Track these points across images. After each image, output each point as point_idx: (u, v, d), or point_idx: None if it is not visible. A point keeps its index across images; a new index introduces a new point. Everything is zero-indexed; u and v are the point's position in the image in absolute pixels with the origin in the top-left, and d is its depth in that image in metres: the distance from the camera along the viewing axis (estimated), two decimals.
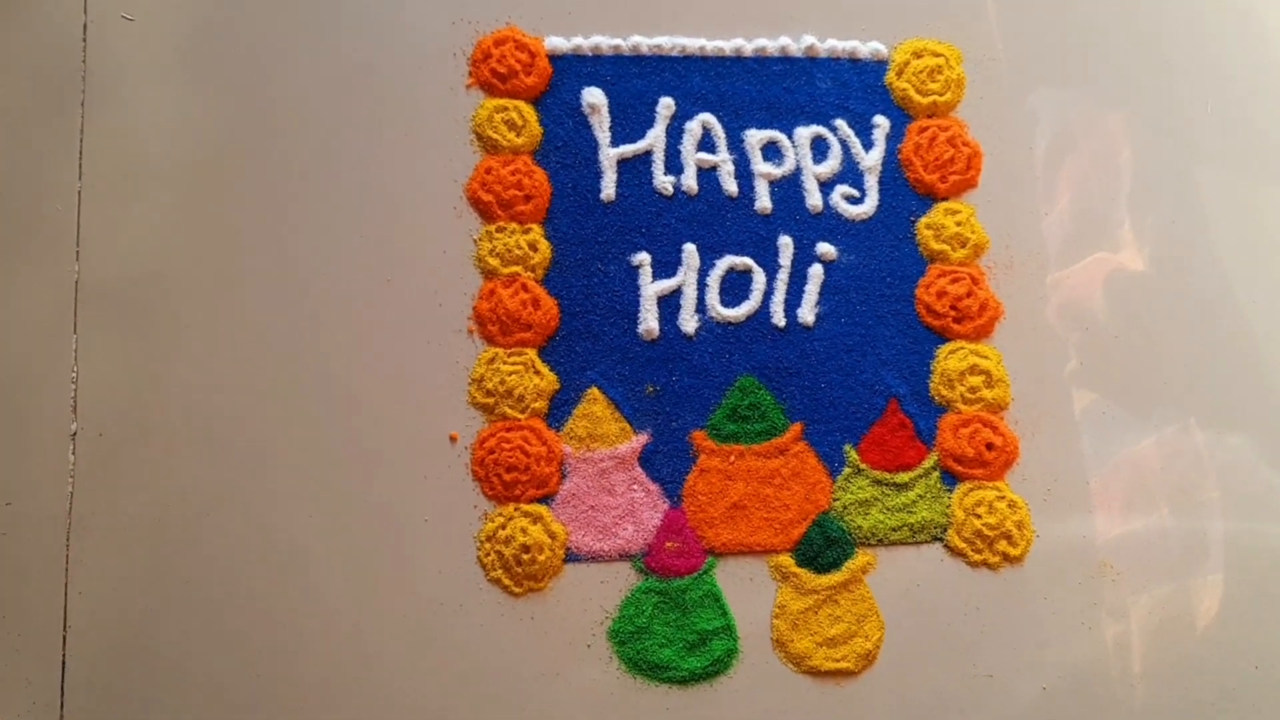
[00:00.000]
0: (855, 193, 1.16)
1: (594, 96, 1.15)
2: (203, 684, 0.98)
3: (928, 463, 1.10)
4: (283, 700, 0.99)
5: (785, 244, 1.14)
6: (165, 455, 1.03)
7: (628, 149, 1.15)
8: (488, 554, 1.03)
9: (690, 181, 1.15)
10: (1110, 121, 1.22)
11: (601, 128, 1.15)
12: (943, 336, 1.13)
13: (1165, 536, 1.10)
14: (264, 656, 0.99)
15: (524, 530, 1.03)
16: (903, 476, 1.09)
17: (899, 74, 1.20)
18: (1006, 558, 1.07)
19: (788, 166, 1.16)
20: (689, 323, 1.11)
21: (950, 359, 1.12)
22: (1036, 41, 1.24)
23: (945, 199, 1.17)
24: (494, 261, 1.10)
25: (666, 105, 1.16)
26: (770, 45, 1.19)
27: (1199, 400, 1.14)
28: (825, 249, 1.14)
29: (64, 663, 0.98)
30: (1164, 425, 1.13)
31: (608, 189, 1.14)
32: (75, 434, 1.03)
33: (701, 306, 1.12)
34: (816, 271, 1.13)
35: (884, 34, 1.21)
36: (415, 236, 1.10)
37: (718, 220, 1.14)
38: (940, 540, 1.08)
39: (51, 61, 1.12)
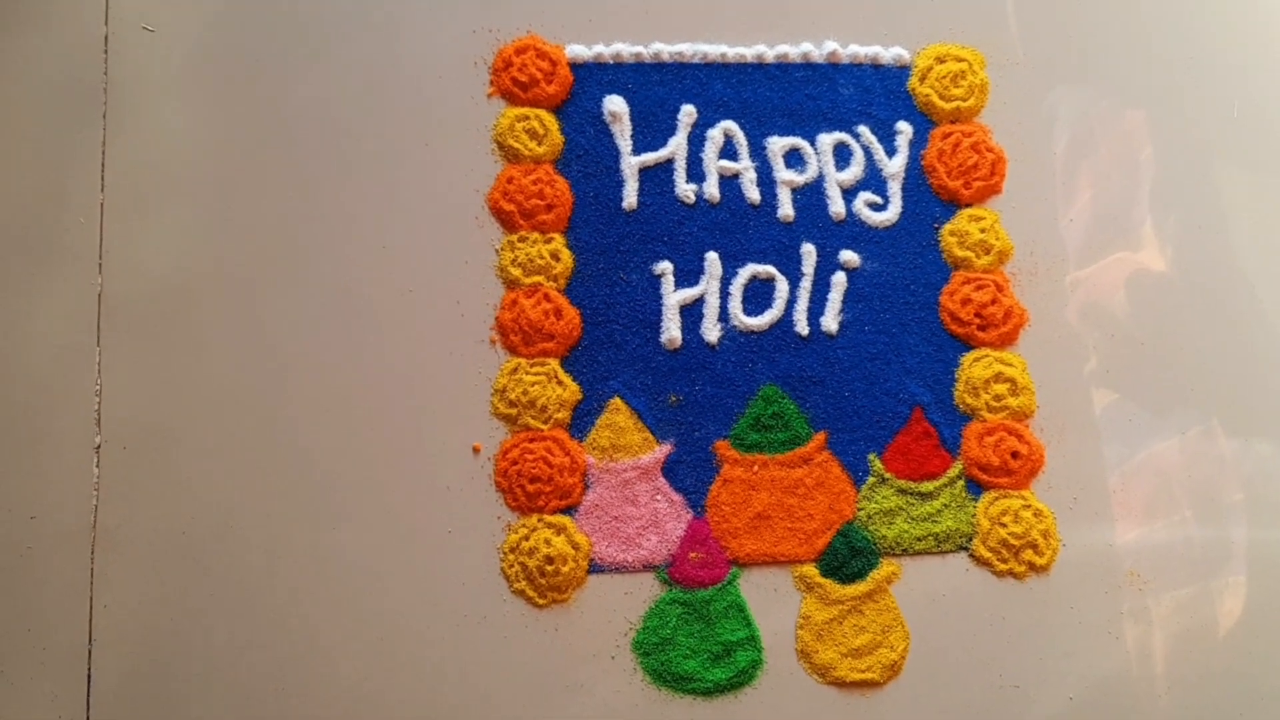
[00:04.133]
0: (878, 200, 1.16)
1: (615, 104, 1.15)
2: (228, 697, 0.99)
3: (952, 471, 1.09)
4: (307, 712, 0.99)
5: (808, 252, 1.13)
6: (189, 467, 1.03)
7: (649, 157, 1.14)
8: (511, 565, 1.03)
9: (712, 189, 1.14)
10: (1131, 120, 1.21)
11: (623, 136, 1.15)
12: (967, 344, 1.12)
13: (1190, 544, 1.09)
14: (288, 668, 1.00)
15: (547, 541, 1.03)
16: (927, 486, 1.08)
17: (922, 79, 1.19)
18: (1032, 567, 1.06)
19: (810, 174, 1.15)
20: (712, 332, 1.10)
21: (975, 367, 1.11)
22: (1058, 43, 1.22)
23: (969, 205, 1.16)
24: (516, 271, 1.09)
25: (688, 113, 1.16)
26: (792, 51, 1.18)
27: (1222, 403, 1.13)
28: (848, 257, 1.13)
29: (89, 676, 0.98)
30: (1187, 428, 1.12)
31: (629, 197, 1.13)
32: (99, 447, 1.03)
33: (724, 315, 1.11)
34: (839, 279, 1.13)
35: (906, 39, 1.20)
36: (437, 246, 1.10)
37: (740, 228, 1.14)
38: (966, 550, 1.07)
39: (73, 73, 1.12)
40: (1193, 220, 1.18)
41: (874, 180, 1.16)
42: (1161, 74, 1.23)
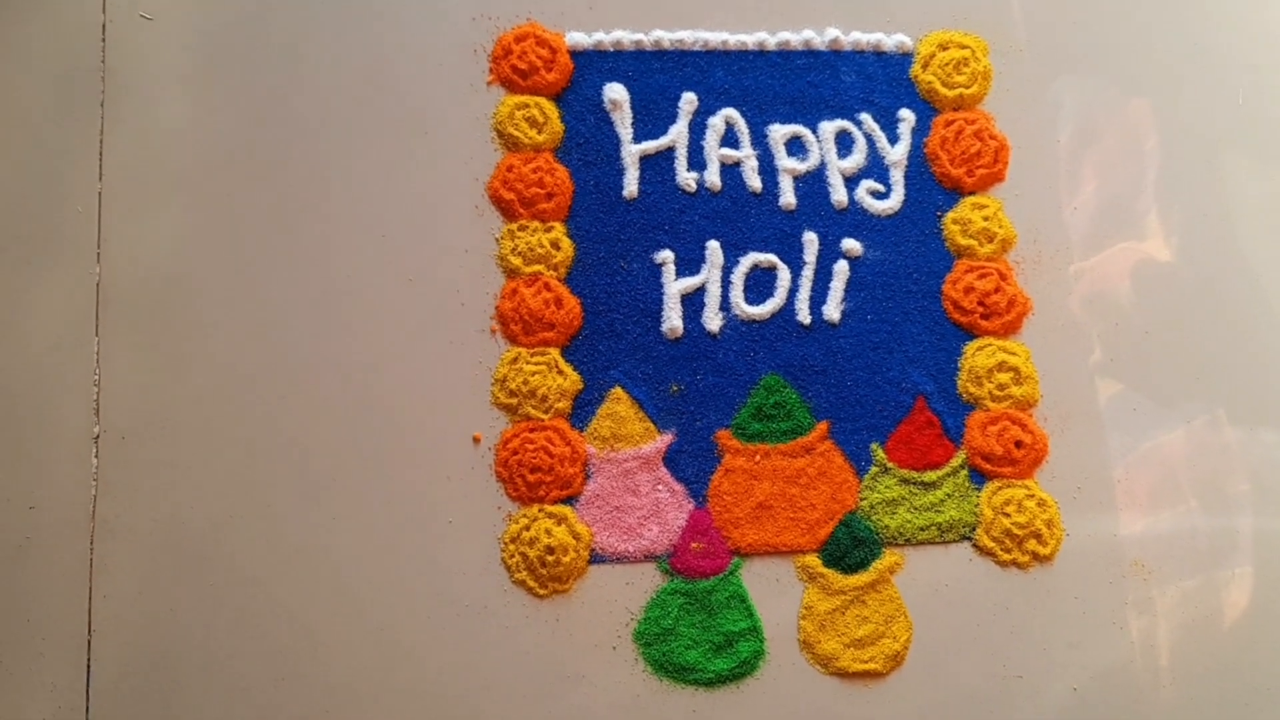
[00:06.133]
0: (881, 188, 1.15)
1: (616, 92, 1.14)
2: (228, 687, 0.99)
3: (956, 461, 1.09)
4: (307, 703, 0.99)
5: (810, 240, 1.13)
6: (188, 458, 1.03)
7: (650, 145, 1.14)
8: (512, 556, 1.02)
9: (713, 178, 1.14)
10: (1136, 109, 1.20)
11: (623, 124, 1.14)
12: (970, 333, 1.12)
13: (1195, 534, 1.09)
14: (288, 659, 0.99)
15: (548, 532, 1.03)
16: (930, 475, 1.08)
17: (924, 66, 1.18)
18: (1036, 557, 1.06)
19: (812, 162, 1.15)
20: (713, 321, 1.10)
21: (978, 355, 1.11)
22: (1062, 31, 1.22)
23: (972, 193, 1.15)
24: (516, 260, 1.09)
25: (689, 100, 1.15)
26: (794, 39, 1.17)
27: (1227, 393, 1.13)
28: (850, 245, 1.13)
29: (89, 667, 0.98)
30: (1192, 418, 1.12)
31: (630, 186, 1.13)
32: (98, 437, 1.03)
33: (726, 304, 1.11)
34: (842, 268, 1.12)
35: (909, 26, 1.19)
36: (437, 236, 1.10)
37: (741, 217, 1.13)
38: (969, 539, 1.07)
39: (70, 62, 1.12)
40: (1198, 209, 1.18)
41: (876, 168, 1.16)
42: (1166, 62, 1.22)
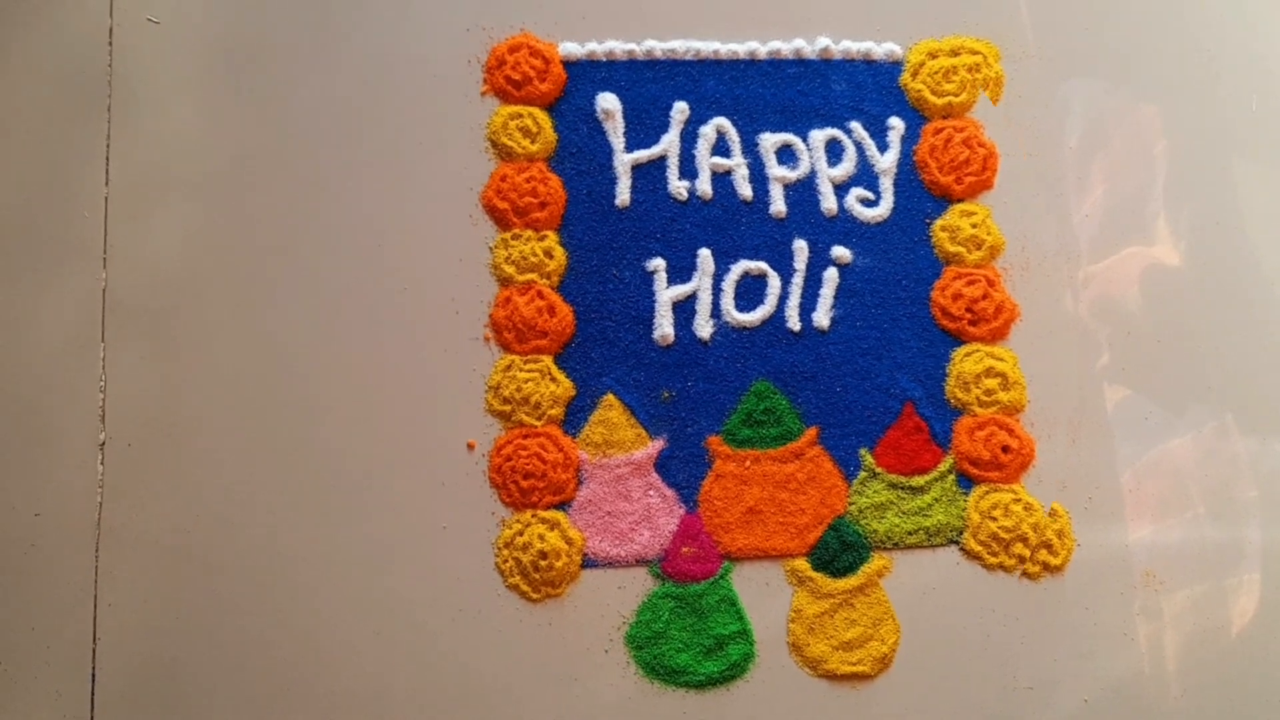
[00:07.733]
0: (870, 195, 1.16)
1: (608, 102, 1.15)
2: (230, 693, 1.00)
3: (943, 466, 1.10)
4: (307, 707, 1.00)
5: (800, 248, 1.14)
6: (193, 465, 1.04)
7: (642, 154, 1.15)
8: (505, 560, 1.04)
9: (705, 186, 1.14)
10: (1145, 114, 1.20)
11: (616, 133, 1.15)
12: (958, 339, 1.13)
13: (1205, 543, 1.09)
14: (288, 663, 1.01)
15: (541, 537, 1.04)
16: (918, 480, 1.09)
17: (914, 75, 1.19)
18: (1047, 567, 1.07)
19: (802, 170, 1.16)
20: (704, 328, 1.11)
21: (966, 361, 1.12)
22: (1072, 36, 1.21)
23: (961, 200, 1.16)
24: (510, 269, 1.10)
25: (680, 110, 1.16)
26: (784, 48, 1.18)
27: (1237, 400, 1.12)
28: (840, 252, 1.14)
29: (93, 675, 1.00)
30: (1201, 425, 1.12)
31: (622, 195, 1.14)
32: (104, 444, 1.04)
33: (717, 311, 1.12)
34: (831, 275, 1.13)
35: (899, 35, 1.20)
36: (431, 245, 1.11)
37: (732, 225, 1.14)
38: (956, 543, 1.08)
39: (77, 66, 1.13)
40: (1208, 215, 1.17)
41: (866, 176, 1.16)
42: (1176, 67, 1.22)
